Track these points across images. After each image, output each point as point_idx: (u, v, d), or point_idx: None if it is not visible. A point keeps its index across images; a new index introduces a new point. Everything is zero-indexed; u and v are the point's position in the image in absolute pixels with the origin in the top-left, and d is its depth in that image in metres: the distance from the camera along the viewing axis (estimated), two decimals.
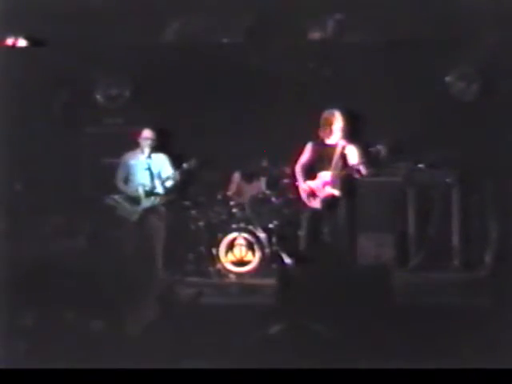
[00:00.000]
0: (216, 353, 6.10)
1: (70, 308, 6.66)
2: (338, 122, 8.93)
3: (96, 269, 7.94)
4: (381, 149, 8.76)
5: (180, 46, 10.42)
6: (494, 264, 9.29)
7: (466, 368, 5.53)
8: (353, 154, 8.90)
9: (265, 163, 10.00)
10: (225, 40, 10.51)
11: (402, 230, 9.89)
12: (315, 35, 10.37)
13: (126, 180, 9.86)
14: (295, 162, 9.19)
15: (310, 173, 9.05)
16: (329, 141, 9.00)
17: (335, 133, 8.94)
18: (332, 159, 8.93)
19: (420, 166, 9.91)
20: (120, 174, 9.86)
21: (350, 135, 8.92)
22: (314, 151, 9.04)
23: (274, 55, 10.28)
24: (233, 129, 10.28)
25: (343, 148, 8.94)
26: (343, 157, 8.94)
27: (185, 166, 9.60)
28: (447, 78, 10.22)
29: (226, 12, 10.31)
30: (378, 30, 10.13)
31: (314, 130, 9.06)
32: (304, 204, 9.05)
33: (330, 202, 8.79)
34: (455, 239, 9.80)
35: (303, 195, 9.09)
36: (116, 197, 9.68)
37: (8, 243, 8.67)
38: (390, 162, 9.71)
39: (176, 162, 9.85)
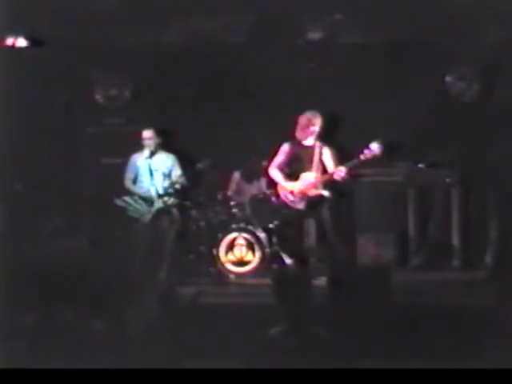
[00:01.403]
0: (216, 353, 6.10)
1: (70, 308, 6.67)
2: (317, 123, 8.99)
3: (96, 269, 7.95)
4: (377, 148, 8.77)
5: (180, 46, 10.41)
6: (494, 264, 9.30)
7: (466, 368, 5.54)
8: (327, 156, 8.97)
9: (265, 163, 9.99)
10: (226, 40, 10.50)
11: (402, 230, 9.89)
12: (315, 35, 10.36)
13: (135, 181, 9.85)
14: (270, 162, 9.22)
15: (288, 173, 9.09)
16: (306, 142, 9.04)
17: (313, 135, 8.99)
18: (312, 160, 8.98)
19: (420, 165, 9.90)
20: (128, 175, 9.85)
21: (331, 137, 8.98)
22: (291, 152, 9.08)
23: (274, 55, 10.28)
24: (233, 128, 10.28)
25: (321, 149, 8.99)
26: (321, 158, 9.01)
27: (199, 166, 9.57)
28: (447, 78, 10.22)
29: (226, 12, 10.30)
30: (378, 30, 10.12)
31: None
32: (286, 204, 9.08)
33: (316, 202, 8.83)
34: (455, 239, 9.80)
35: (282, 195, 9.12)
36: (126, 198, 9.65)
37: (8, 244, 8.67)
38: (389, 162, 9.72)
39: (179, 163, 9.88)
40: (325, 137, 9.28)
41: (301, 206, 8.94)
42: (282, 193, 9.15)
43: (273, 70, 10.23)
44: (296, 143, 9.07)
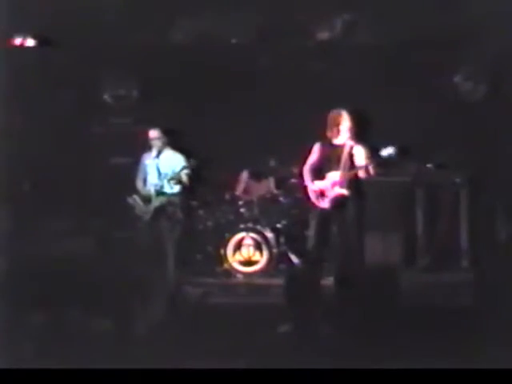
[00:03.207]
0: (224, 352, 6.10)
1: (74, 308, 6.67)
2: (345, 122, 8.89)
3: (104, 269, 7.96)
4: (391, 152, 8.72)
5: (188, 46, 10.42)
6: (502, 264, 9.27)
7: (473, 368, 5.52)
8: (360, 155, 8.87)
9: (273, 163, 9.98)
10: (233, 40, 10.50)
11: (410, 230, 9.88)
12: (324, 36, 10.36)
13: (145, 180, 9.85)
14: (303, 162, 9.16)
15: (319, 173, 9.02)
16: (336, 141, 8.96)
17: (343, 133, 8.90)
18: (340, 159, 8.88)
19: (429, 166, 9.88)
20: (139, 175, 9.83)
21: (358, 135, 8.90)
22: (322, 152, 9.00)
23: (283, 55, 10.28)
24: (241, 128, 10.27)
25: (351, 148, 8.90)
26: (351, 157, 8.92)
27: (186, 165, 9.54)
28: (455, 79, 10.20)
29: (234, 12, 10.31)
30: (388, 30, 10.12)
31: (321, 130, 9.03)
32: (313, 204, 9.02)
33: (339, 202, 8.76)
34: (463, 239, 9.78)
35: (312, 196, 9.06)
36: (135, 196, 9.66)
37: (16, 243, 8.69)
38: (399, 163, 9.69)
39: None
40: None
41: (325, 205, 8.88)
42: (310, 193, 9.09)
43: (280, 70, 10.23)
44: (326, 143, 8.99)
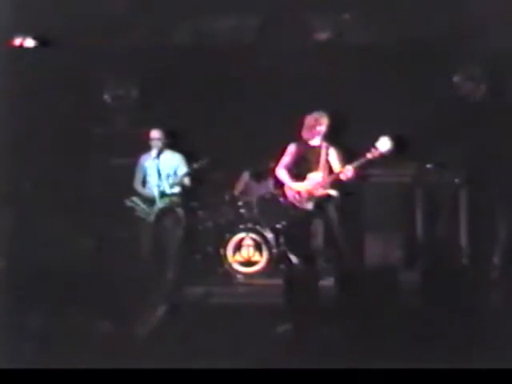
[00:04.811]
0: (224, 353, 6.10)
1: (75, 309, 6.68)
2: (324, 123, 8.99)
3: (104, 270, 7.97)
4: (384, 146, 8.73)
5: (188, 47, 10.42)
6: (503, 264, 9.28)
7: (472, 368, 5.52)
8: (333, 157, 8.97)
9: (272, 163, 9.98)
10: (234, 41, 10.50)
11: (410, 230, 9.87)
12: (322, 35, 10.36)
13: (144, 181, 9.85)
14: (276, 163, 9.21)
15: (295, 174, 9.07)
16: (313, 142, 9.04)
17: (320, 134, 8.99)
18: (318, 160, 8.97)
19: (428, 165, 9.89)
20: (138, 176, 9.83)
21: (339, 137, 8.97)
22: (298, 152, 9.07)
23: (283, 56, 10.27)
24: (241, 129, 10.27)
25: (327, 149, 8.99)
26: (328, 158, 9.01)
27: (195, 166, 9.56)
28: (455, 78, 10.20)
29: (234, 13, 10.31)
30: (386, 30, 10.12)
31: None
32: (293, 205, 9.07)
33: (323, 202, 8.82)
34: (463, 239, 9.78)
35: (290, 196, 9.10)
36: (134, 198, 9.66)
37: (16, 244, 8.69)
38: (397, 162, 9.70)
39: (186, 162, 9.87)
40: (334, 137, 9.26)
41: (308, 206, 8.93)
42: (289, 193, 9.14)
43: (281, 70, 10.22)
44: (302, 143, 9.07)
